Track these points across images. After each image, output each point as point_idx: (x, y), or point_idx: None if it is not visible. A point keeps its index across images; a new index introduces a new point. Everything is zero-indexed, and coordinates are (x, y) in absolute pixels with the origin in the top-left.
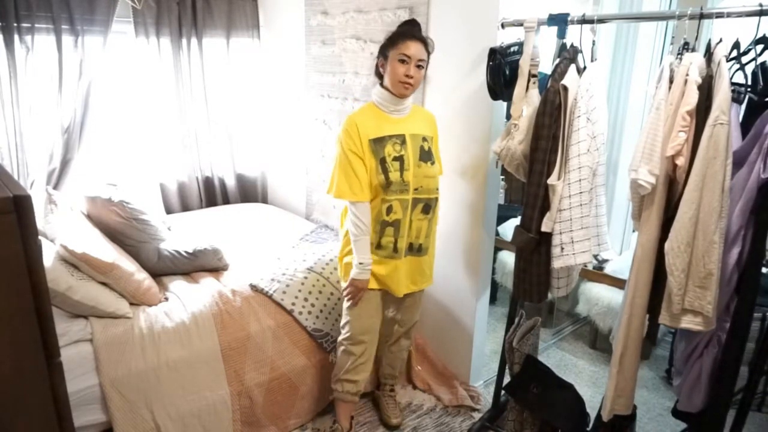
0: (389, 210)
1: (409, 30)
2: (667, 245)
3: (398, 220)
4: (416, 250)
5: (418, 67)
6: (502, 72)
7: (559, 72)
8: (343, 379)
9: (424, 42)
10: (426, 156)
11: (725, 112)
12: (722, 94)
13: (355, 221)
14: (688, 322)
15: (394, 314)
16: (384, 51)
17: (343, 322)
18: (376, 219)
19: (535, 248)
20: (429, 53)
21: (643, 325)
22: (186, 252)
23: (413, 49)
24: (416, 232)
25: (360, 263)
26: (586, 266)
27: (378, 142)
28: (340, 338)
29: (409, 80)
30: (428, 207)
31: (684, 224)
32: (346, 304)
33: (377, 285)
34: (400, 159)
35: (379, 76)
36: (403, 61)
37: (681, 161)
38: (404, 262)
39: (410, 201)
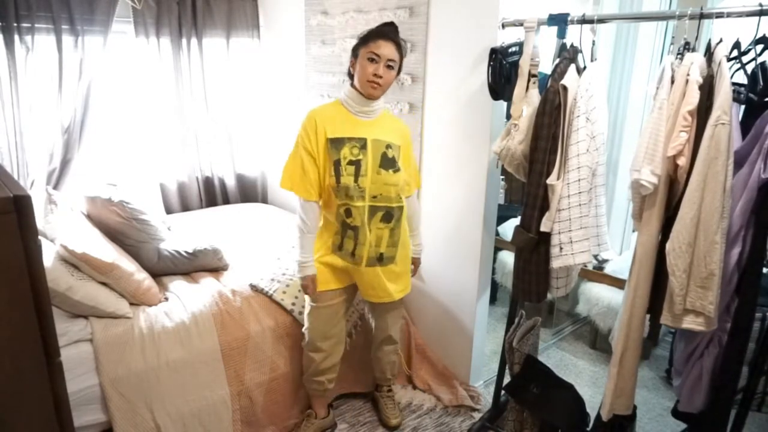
0: (348, 213)
1: (383, 30)
2: (668, 245)
3: (357, 227)
4: (377, 259)
5: (389, 67)
6: (503, 72)
7: (559, 72)
8: (310, 380)
9: (397, 44)
10: (388, 163)
11: (727, 112)
12: (723, 94)
13: (301, 217)
14: (690, 323)
15: (369, 317)
16: (355, 50)
17: (304, 327)
18: (337, 219)
19: (534, 248)
20: (401, 56)
21: (643, 325)
22: (186, 252)
23: (384, 48)
24: (376, 240)
25: (299, 260)
26: (586, 266)
27: (335, 143)
28: (303, 341)
29: (377, 80)
30: (389, 216)
31: (685, 224)
32: (307, 308)
33: (337, 283)
34: (356, 164)
35: (350, 75)
36: (372, 60)
37: (682, 161)
38: (366, 272)
39: (366, 208)
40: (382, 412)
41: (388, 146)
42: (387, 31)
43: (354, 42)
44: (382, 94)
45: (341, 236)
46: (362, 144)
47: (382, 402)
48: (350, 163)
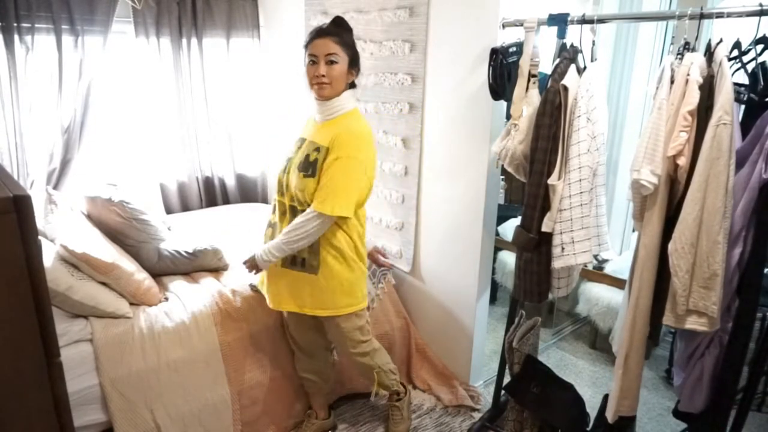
0: (273, 209)
1: (317, 29)
2: (670, 246)
3: (275, 223)
4: (299, 264)
5: (330, 63)
6: (503, 72)
7: (559, 72)
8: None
9: (336, 35)
10: (305, 166)
11: (728, 112)
12: (725, 94)
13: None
14: (693, 323)
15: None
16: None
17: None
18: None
19: (535, 248)
20: (348, 46)
21: (647, 326)
22: (186, 252)
23: (320, 47)
24: None
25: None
26: (586, 266)
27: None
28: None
29: (321, 79)
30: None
31: (688, 225)
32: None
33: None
34: (288, 160)
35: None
36: (312, 62)
37: (682, 161)
38: (281, 273)
39: (288, 207)
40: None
41: (317, 149)
42: (320, 29)
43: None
44: (335, 92)
45: (266, 234)
46: (300, 143)
47: (390, 411)
48: (288, 159)
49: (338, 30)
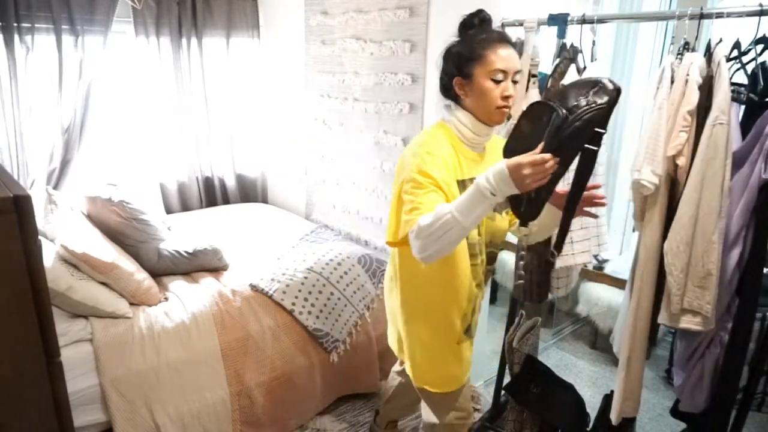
0: (475, 275)
1: (497, 32)
2: (666, 245)
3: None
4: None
5: (514, 82)
6: None
7: (559, 72)
8: None
9: (513, 43)
10: (502, 205)
11: (725, 112)
12: (722, 94)
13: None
14: (687, 322)
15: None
16: (460, 66)
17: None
18: (468, 297)
19: (535, 248)
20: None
21: (649, 327)
22: (186, 252)
23: (508, 60)
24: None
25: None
26: (586, 266)
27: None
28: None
29: (509, 102)
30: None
31: (683, 224)
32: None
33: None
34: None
35: (455, 96)
36: (497, 81)
37: (682, 161)
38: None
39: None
40: None
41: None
42: (503, 35)
43: (354, 42)
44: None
45: (470, 314)
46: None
47: None
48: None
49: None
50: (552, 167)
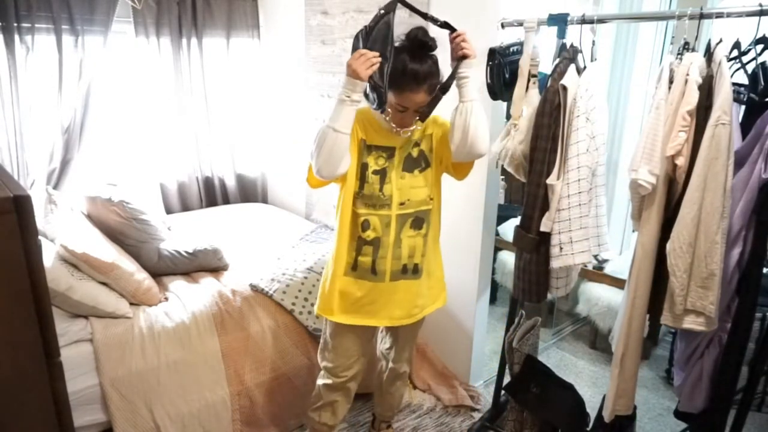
0: (365, 226)
1: (415, 70)
2: (668, 246)
3: (378, 238)
4: (411, 272)
5: (416, 112)
6: (502, 72)
7: (558, 72)
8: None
9: (431, 85)
10: (411, 164)
11: (727, 112)
12: (724, 94)
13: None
14: (691, 323)
15: (386, 349)
16: (390, 82)
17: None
18: (351, 235)
19: (534, 248)
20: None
21: (644, 325)
22: (186, 252)
23: (414, 98)
24: (409, 251)
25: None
26: (585, 266)
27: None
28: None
29: (404, 124)
30: (420, 221)
31: (686, 225)
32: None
33: (348, 319)
34: (381, 172)
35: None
36: (401, 111)
37: (681, 161)
38: (391, 287)
39: (394, 217)
40: None
41: (416, 143)
42: (418, 71)
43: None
44: None
45: (356, 253)
46: (390, 153)
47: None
48: (375, 172)
49: (432, 71)
50: (373, 56)
